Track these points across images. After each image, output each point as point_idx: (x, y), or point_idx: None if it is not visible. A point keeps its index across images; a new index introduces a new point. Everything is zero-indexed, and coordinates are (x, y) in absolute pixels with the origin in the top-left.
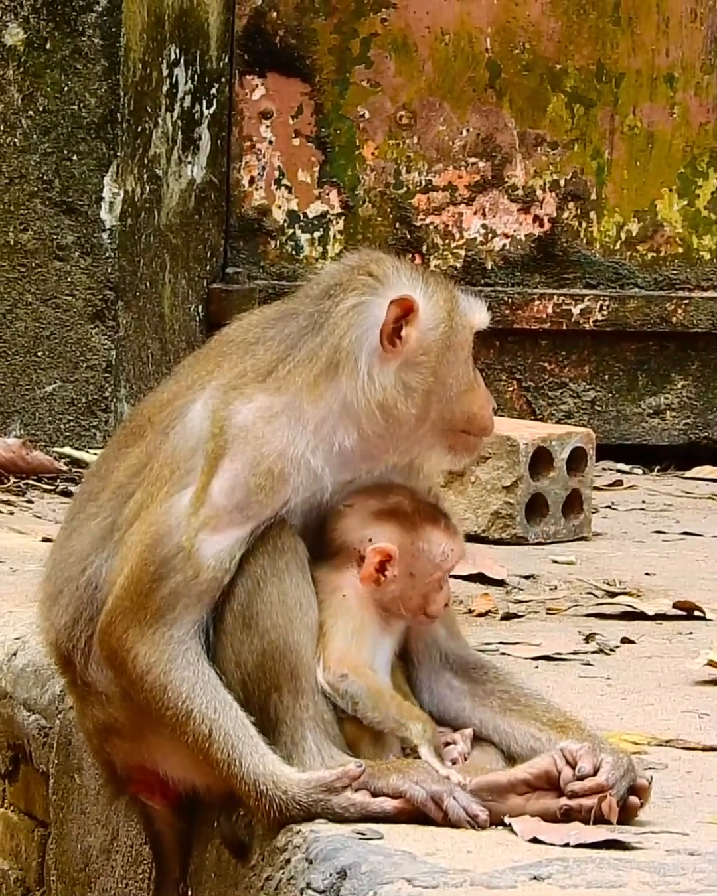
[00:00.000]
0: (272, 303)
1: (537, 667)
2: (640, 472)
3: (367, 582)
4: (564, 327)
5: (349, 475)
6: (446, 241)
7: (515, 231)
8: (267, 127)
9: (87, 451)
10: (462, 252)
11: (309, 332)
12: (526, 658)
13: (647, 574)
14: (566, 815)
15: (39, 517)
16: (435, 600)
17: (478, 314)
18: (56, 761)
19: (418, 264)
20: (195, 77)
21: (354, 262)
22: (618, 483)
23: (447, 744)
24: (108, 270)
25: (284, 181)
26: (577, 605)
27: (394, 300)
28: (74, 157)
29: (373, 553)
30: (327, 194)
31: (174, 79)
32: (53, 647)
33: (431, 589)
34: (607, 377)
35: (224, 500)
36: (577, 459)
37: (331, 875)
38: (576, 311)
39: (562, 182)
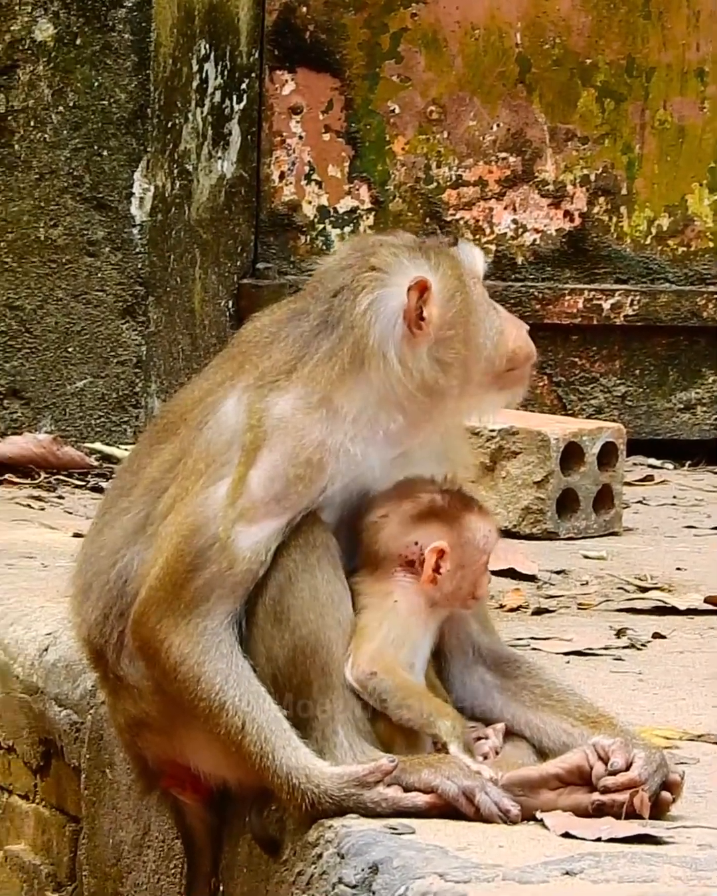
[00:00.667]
0: (283, 302)
1: (568, 662)
2: (671, 466)
3: (428, 583)
4: (594, 322)
5: (398, 450)
6: (477, 236)
7: (545, 226)
8: (297, 122)
9: (117, 447)
10: (493, 247)
11: (323, 332)
12: (557, 653)
13: (678, 569)
14: (598, 810)
15: (70, 513)
16: (482, 584)
17: (478, 260)
18: (88, 756)
19: (411, 239)
20: (225, 72)
21: (352, 259)
22: (649, 478)
23: (479, 738)
24: (139, 266)
25: (314, 176)
26: (608, 600)
27: (411, 286)
28: (105, 153)
29: (431, 554)
30: (357, 189)
31: (204, 74)
32: (85, 641)
33: (479, 574)
34: (637, 372)
35: (262, 491)
36: (608, 454)
37: (363, 870)
38: (607, 305)
39: (592, 177)
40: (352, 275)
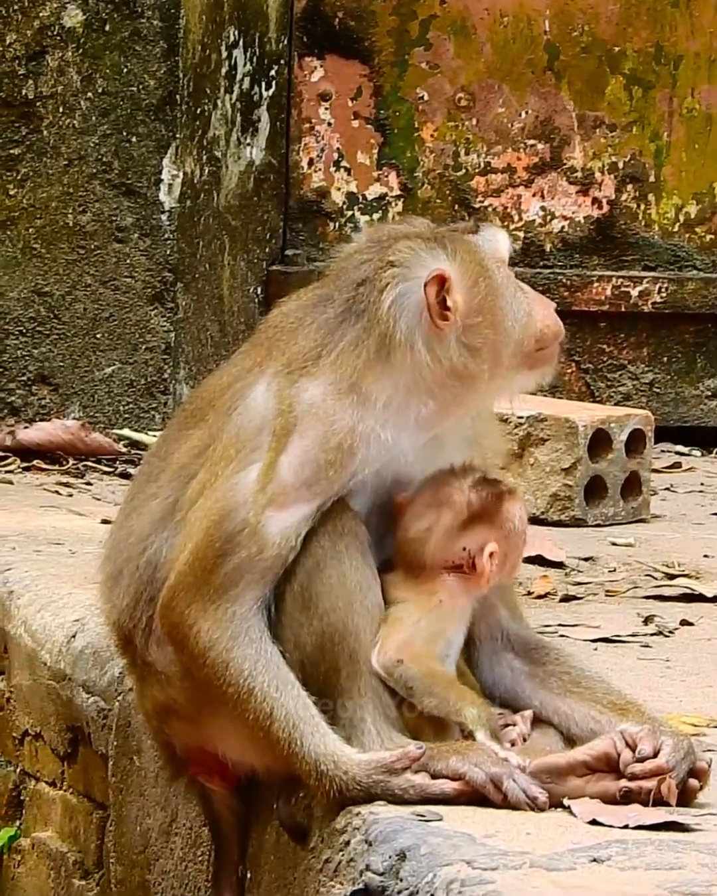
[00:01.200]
0: (307, 288)
1: (595, 649)
2: (699, 453)
3: (486, 585)
4: (622, 309)
5: (430, 434)
6: (505, 224)
7: (573, 213)
8: (326, 109)
9: (146, 433)
10: (521, 234)
11: (347, 320)
12: (585, 640)
13: (706, 556)
14: (626, 797)
15: (98, 499)
16: (519, 561)
17: (501, 244)
18: (115, 743)
19: (428, 228)
20: (254, 59)
21: (370, 255)
22: (677, 465)
23: (507, 725)
24: (168, 252)
25: (343, 163)
26: (636, 587)
27: (428, 281)
28: (133, 139)
29: (490, 559)
30: (386, 176)
31: (233, 61)
32: (114, 627)
33: (520, 554)
34: (665, 359)
35: (292, 476)
36: (636, 441)
37: (390, 857)
38: (634, 293)
39: (621, 164)
40: (372, 269)
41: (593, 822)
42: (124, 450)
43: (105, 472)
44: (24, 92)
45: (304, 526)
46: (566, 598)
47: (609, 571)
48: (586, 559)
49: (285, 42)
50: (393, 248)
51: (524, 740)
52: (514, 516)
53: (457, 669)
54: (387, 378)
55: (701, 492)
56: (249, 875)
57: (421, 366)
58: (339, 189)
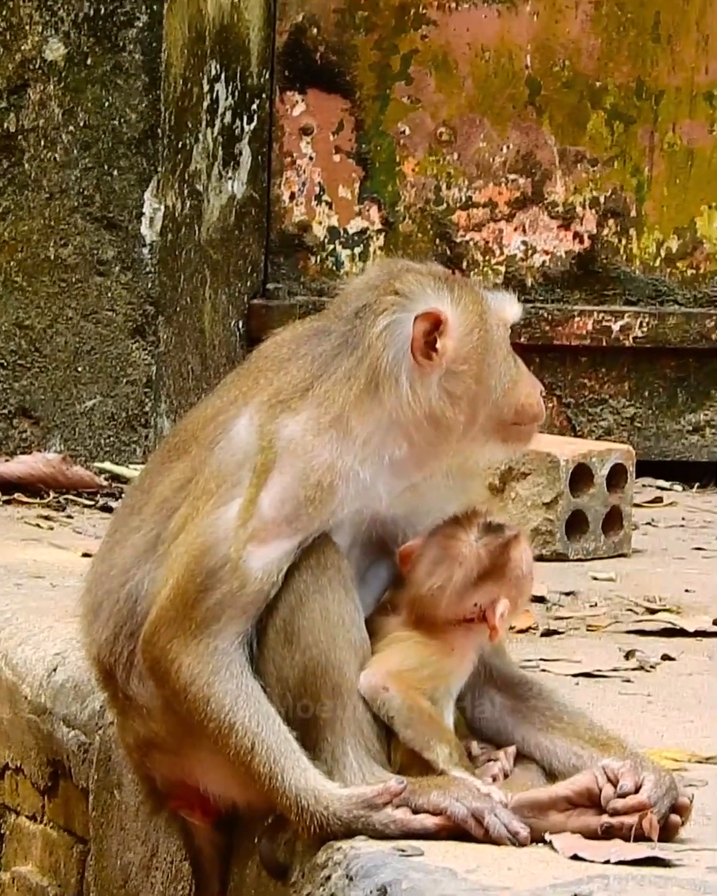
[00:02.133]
0: (305, 319)
1: (577, 683)
2: (680, 488)
3: (497, 638)
4: (603, 344)
5: (404, 483)
6: (486, 258)
7: (554, 248)
8: (307, 143)
9: (127, 467)
10: (502, 268)
11: (342, 352)
12: (566, 675)
13: (687, 591)
14: (607, 833)
15: (79, 532)
16: (527, 602)
17: (509, 308)
18: (96, 777)
19: (442, 271)
20: (236, 93)
21: (378, 281)
22: (658, 500)
23: (489, 760)
24: (149, 285)
25: (325, 197)
26: (617, 622)
27: (418, 315)
28: (115, 173)
29: (502, 620)
30: (367, 210)
31: (215, 94)
32: (94, 660)
33: (527, 597)
34: (646, 394)
35: (273, 512)
36: (617, 476)
37: (371, 892)
38: (616, 327)
39: (602, 199)
40: (375, 295)
41: (575, 857)
42: (105, 483)
43: (86, 506)
44: (5, 125)
45: (285, 561)
46: (548, 633)
47: (590, 606)
48: (567, 594)
49: (267, 76)
50: (402, 278)
51: (506, 776)
52: (521, 563)
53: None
54: (371, 413)
55: (682, 526)
56: None
57: (403, 403)
58: (320, 223)
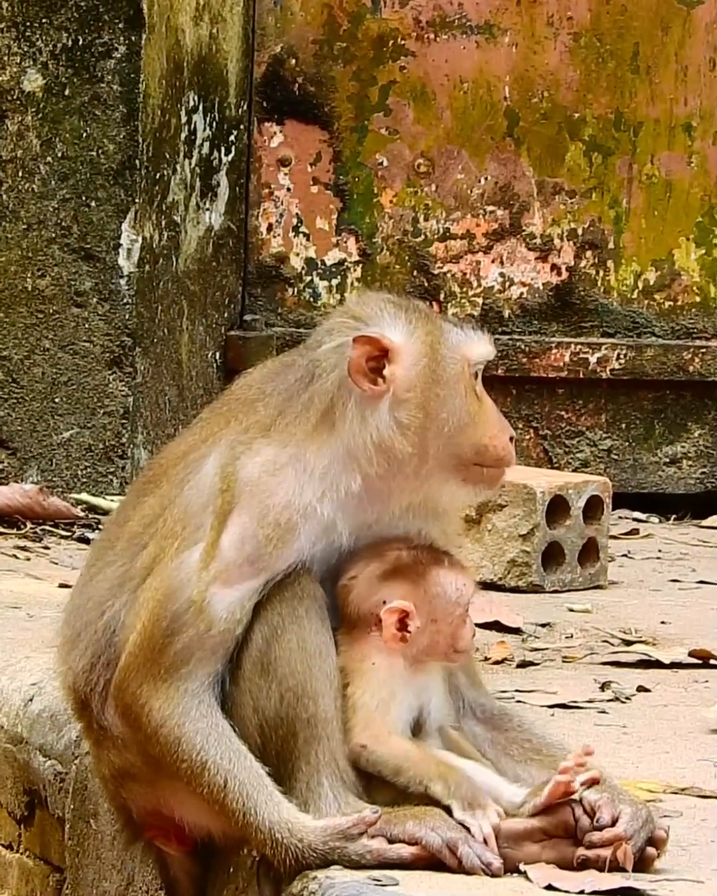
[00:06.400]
0: (281, 354)
1: (553, 715)
2: (656, 520)
3: (392, 642)
4: (581, 376)
5: (363, 520)
6: (464, 290)
7: (532, 279)
8: (285, 174)
9: (104, 498)
10: (480, 300)
11: (303, 382)
12: (542, 706)
13: (663, 622)
14: (583, 865)
15: (56, 563)
16: (463, 636)
17: (474, 347)
18: (72, 806)
19: (416, 303)
20: (214, 124)
21: (345, 307)
22: (634, 531)
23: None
24: (126, 317)
25: (302, 228)
26: (593, 654)
27: (358, 338)
28: (93, 204)
29: (388, 614)
30: (345, 242)
31: (193, 125)
32: (70, 690)
33: (456, 627)
34: (623, 426)
35: (233, 553)
36: (593, 508)
37: None
38: (593, 359)
39: (580, 231)
40: (336, 321)
41: (550, 888)
42: (82, 514)
43: (63, 537)
44: None
45: (250, 600)
46: (523, 664)
47: (566, 637)
48: (543, 625)
49: (245, 107)
50: (364, 303)
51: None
52: (444, 582)
53: (440, 731)
54: (327, 445)
55: (659, 558)
56: None
57: (353, 429)
58: (298, 254)
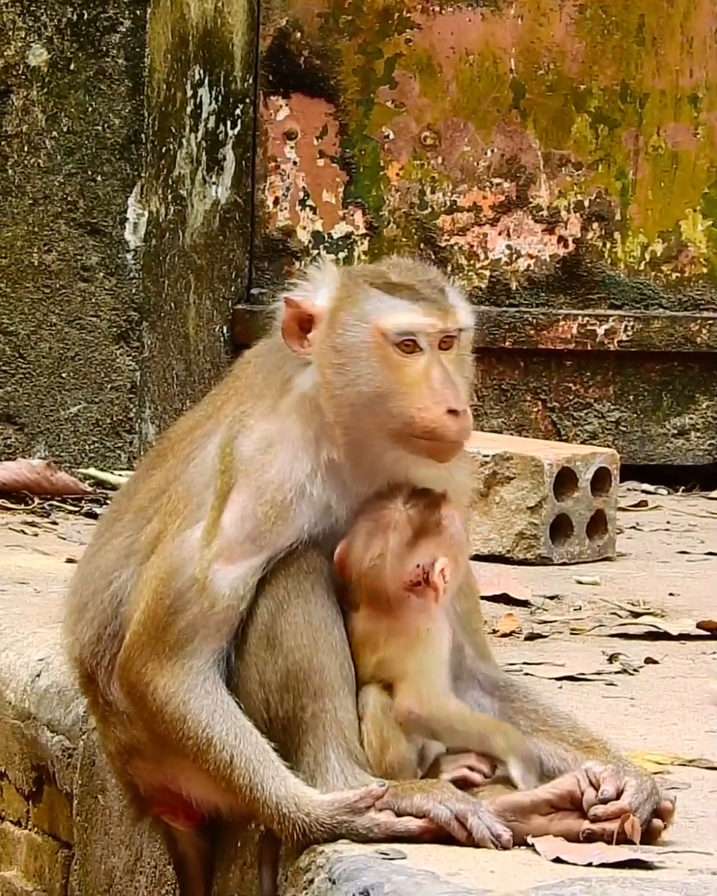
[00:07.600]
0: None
1: (560, 687)
2: (664, 492)
3: (444, 598)
4: (588, 348)
5: (358, 492)
6: (471, 262)
7: (539, 251)
8: (291, 147)
9: (111, 472)
10: (487, 272)
11: (281, 352)
12: (550, 678)
13: (671, 594)
14: (589, 839)
15: (64, 538)
16: (467, 563)
17: (392, 318)
18: (80, 782)
19: (435, 272)
20: (219, 98)
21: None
22: (642, 503)
23: (470, 768)
24: (133, 291)
25: (309, 202)
26: (601, 626)
27: (286, 300)
28: (99, 178)
29: (441, 576)
30: (352, 215)
31: (198, 99)
32: (77, 662)
33: (465, 556)
34: (631, 398)
35: (234, 531)
36: (601, 480)
37: (354, 895)
38: (601, 331)
39: (586, 202)
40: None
41: (557, 860)
42: (90, 489)
43: (71, 512)
44: None
45: (253, 577)
46: (531, 637)
47: (575, 610)
48: (551, 597)
49: (251, 81)
50: (327, 268)
51: (486, 777)
52: (452, 521)
53: None
54: (308, 413)
55: (667, 530)
56: None
57: (305, 396)
58: (304, 228)
